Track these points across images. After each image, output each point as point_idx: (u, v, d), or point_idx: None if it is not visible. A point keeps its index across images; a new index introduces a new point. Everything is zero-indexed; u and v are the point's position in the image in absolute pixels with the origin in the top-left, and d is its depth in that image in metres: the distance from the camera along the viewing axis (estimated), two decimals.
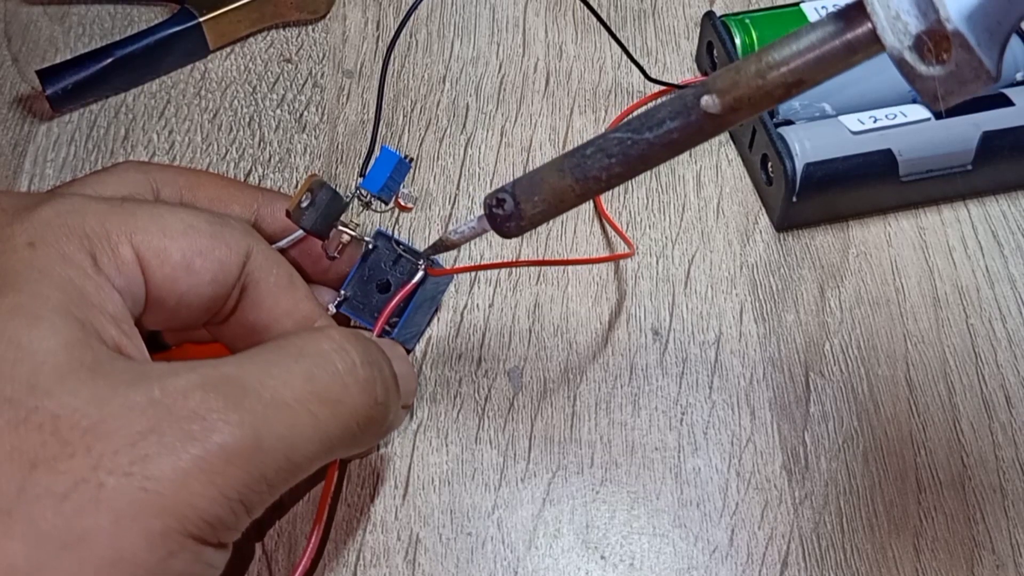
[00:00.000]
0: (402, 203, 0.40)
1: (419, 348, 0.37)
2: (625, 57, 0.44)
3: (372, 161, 0.36)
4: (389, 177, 0.36)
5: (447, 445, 0.35)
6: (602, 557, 0.32)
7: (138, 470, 0.23)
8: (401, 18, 0.41)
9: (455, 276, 0.38)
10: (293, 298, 0.31)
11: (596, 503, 0.33)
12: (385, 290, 0.35)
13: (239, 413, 0.24)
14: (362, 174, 0.37)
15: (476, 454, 0.34)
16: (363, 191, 0.37)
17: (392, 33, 0.43)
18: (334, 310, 0.34)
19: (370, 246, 0.35)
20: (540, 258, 0.39)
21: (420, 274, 0.34)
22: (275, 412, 0.25)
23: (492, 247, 0.40)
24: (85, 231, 0.27)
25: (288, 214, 0.33)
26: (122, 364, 0.25)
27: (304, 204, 0.33)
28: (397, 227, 0.40)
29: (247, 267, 0.30)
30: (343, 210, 0.34)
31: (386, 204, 0.39)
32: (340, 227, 0.34)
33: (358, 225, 0.35)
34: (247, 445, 0.24)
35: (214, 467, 0.24)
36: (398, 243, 0.35)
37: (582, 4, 0.43)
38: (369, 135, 0.42)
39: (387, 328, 0.34)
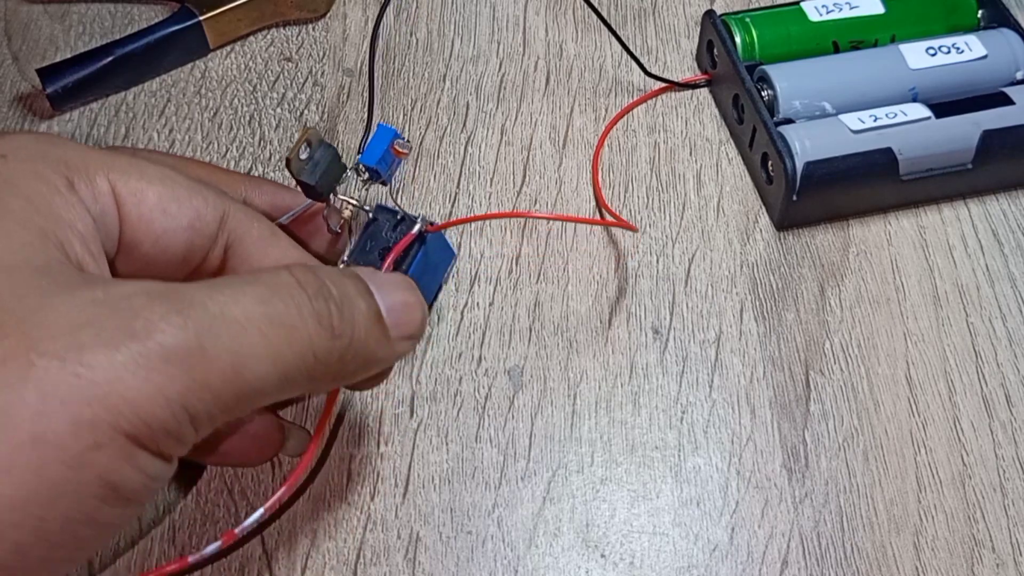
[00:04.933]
0: (398, 148, 0.39)
1: (419, 346, 0.37)
2: (625, 55, 0.43)
3: (369, 137, 0.36)
4: (385, 151, 0.36)
5: (447, 444, 0.35)
6: (602, 555, 0.32)
7: (73, 357, 0.22)
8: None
9: (457, 257, 0.38)
10: (279, 247, 0.31)
11: (596, 502, 0.33)
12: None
13: (182, 317, 0.24)
14: (360, 151, 0.36)
15: (476, 452, 0.34)
16: (362, 166, 0.36)
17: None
18: None
19: (370, 215, 0.35)
20: (534, 211, 0.40)
21: (418, 226, 0.34)
22: (222, 324, 0.24)
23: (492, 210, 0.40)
24: (64, 159, 0.27)
25: (288, 164, 0.32)
26: (72, 271, 0.25)
27: (303, 156, 0.32)
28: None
29: (228, 224, 0.30)
30: (343, 172, 0.34)
31: (385, 184, 0.38)
32: (341, 197, 0.34)
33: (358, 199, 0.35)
34: (189, 347, 0.23)
35: (152, 364, 0.23)
36: (398, 212, 0.35)
37: (582, 2, 0.43)
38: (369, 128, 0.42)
39: None
